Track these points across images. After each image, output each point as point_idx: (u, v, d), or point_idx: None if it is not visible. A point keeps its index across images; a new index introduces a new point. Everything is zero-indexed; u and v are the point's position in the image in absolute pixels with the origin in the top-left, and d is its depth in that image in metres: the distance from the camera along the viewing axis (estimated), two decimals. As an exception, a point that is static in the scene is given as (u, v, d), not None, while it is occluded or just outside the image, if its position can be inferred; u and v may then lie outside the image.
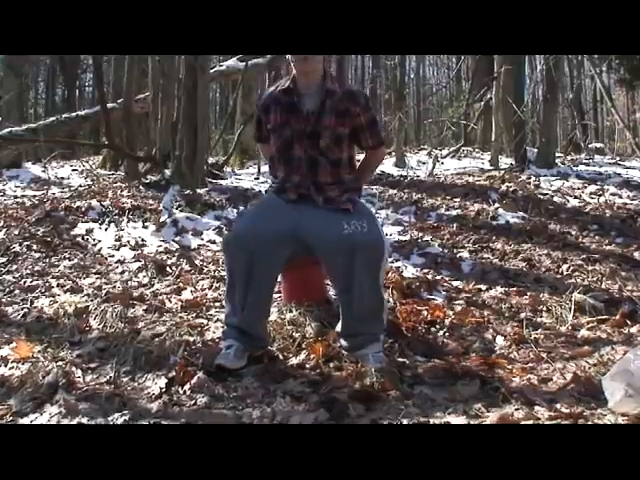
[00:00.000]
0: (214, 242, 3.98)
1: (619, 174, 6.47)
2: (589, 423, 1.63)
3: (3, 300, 2.83)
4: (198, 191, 5.04)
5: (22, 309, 2.70)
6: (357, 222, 2.11)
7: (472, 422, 1.68)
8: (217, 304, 2.75)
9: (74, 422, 1.72)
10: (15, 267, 3.36)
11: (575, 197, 5.29)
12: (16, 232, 3.93)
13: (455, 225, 4.31)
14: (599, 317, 2.55)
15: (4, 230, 3.99)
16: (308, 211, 2.18)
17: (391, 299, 2.73)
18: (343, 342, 2.21)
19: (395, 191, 5.58)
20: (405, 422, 1.69)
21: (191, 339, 2.33)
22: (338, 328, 2.26)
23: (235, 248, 2.14)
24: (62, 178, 6.71)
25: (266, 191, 2.45)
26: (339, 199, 2.20)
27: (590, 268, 3.33)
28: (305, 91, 2.20)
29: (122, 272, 3.30)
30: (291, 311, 2.52)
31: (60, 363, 2.11)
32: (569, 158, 8.08)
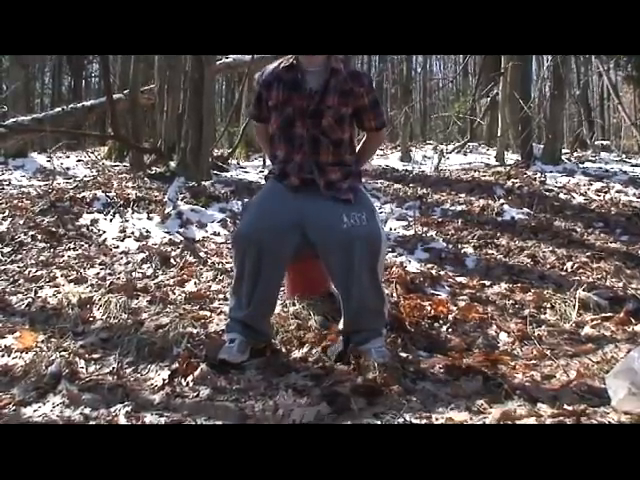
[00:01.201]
0: (218, 234, 3.98)
1: (625, 171, 6.45)
2: (592, 422, 1.63)
3: (7, 290, 2.84)
4: (203, 183, 5.04)
5: (26, 299, 2.71)
6: (357, 214, 2.09)
7: (474, 418, 1.68)
8: (221, 296, 2.75)
9: (77, 412, 1.73)
10: (20, 257, 3.37)
11: (581, 194, 5.28)
12: (21, 222, 3.94)
13: (460, 220, 4.31)
14: (603, 315, 2.54)
15: (9, 220, 4.00)
16: (310, 202, 2.14)
17: (395, 294, 2.72)
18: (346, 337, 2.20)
19: (400, 186, 5.57)
20: (407, 417, 1.69)
21: (194, 331, 2.33)
22: (340, 324, 2.25)
23: (243, 245, 2.12)
24: (67, 168, 6.72)
25: (266, 177, 2.37)
26: (341, 185, 2.16)
27: (595, 265, 3.32)
28: (309, 69, 2.17)
29: (126, 263, 3.31)
30: (294, 304, 2.52)
31: (63, 353, 2.11)
32: (575, 155, 8.05)
